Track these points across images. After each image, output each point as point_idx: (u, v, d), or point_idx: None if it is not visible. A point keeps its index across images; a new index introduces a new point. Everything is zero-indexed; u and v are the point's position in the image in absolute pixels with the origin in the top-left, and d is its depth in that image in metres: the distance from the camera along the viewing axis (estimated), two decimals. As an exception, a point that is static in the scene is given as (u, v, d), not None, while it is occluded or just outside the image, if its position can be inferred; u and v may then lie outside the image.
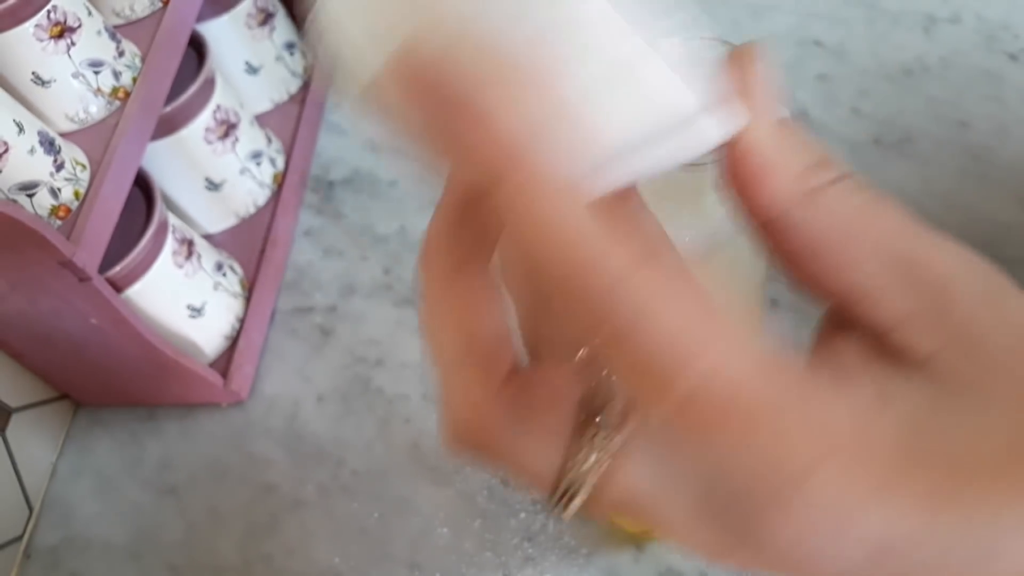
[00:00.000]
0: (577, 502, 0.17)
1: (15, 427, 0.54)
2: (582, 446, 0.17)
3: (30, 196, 0.45)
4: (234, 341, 0.58)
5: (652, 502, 0.17)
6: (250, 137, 0.63)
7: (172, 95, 0.55)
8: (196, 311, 0.55)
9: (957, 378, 0.16)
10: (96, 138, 0.50)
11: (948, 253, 0.17)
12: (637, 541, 0.48)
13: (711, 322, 0.15)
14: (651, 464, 0.17)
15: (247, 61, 0.68)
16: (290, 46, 0.71)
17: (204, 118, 0.58)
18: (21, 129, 0.45)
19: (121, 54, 0.52)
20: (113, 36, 0.52)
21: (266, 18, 0.68)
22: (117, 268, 0.49)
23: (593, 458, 0.17)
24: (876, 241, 0.16)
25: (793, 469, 0.15)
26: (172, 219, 0.54)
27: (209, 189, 0.61)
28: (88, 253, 0.45)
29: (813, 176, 0.17)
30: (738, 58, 0.18)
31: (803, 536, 0.15)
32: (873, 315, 0.17)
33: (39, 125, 0.47)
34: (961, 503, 0.15)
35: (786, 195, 0.17)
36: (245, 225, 0.64)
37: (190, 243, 0.55)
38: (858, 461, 0.15)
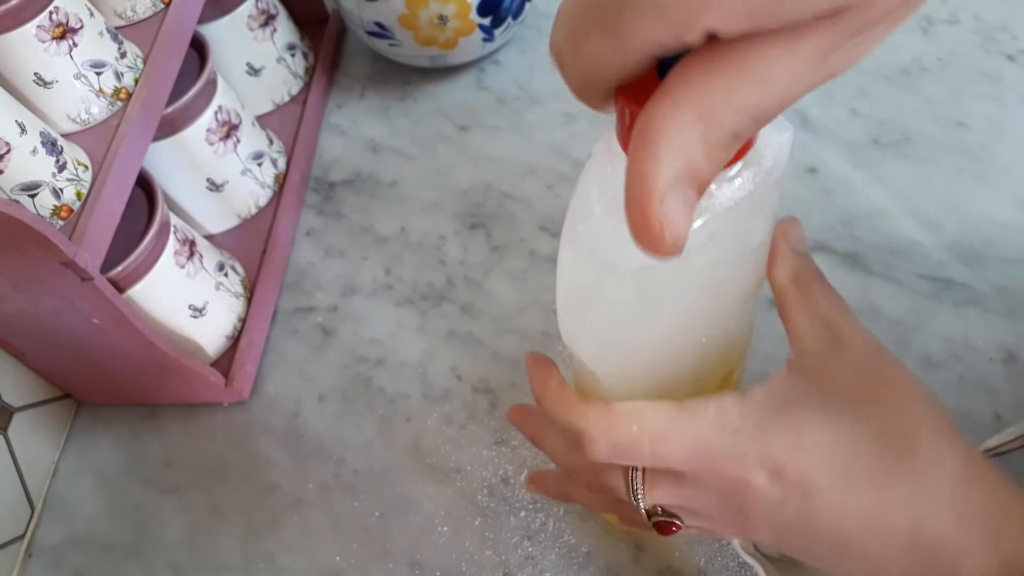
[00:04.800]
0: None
1: (17, 426, 0.54)
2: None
3: (32, 197, 0.45)
4: (236, 341, 0.58)
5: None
6: (251, 138, 0.63)
7: (174, 96, 0.55)
8: (198, 311, 0.55)
9: (812, 374, 0.31)
10: (98, 139, 0.50)
11: (856, 326, 0.32)
12: (636, 539, 0.48)
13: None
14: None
15: (248, 62, 0.68)
16: (291, 48, 0.71)
17: (206, 119, 0.58)
18: (23, 130, 0.45)
19: (123, 55, 0.52)
20: (115, 37, 0.52)
21: (267, 20, 0.68)
22: (119, 268, 0.49)
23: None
24: (815, 308, 0.32)
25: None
26: (174, 219, 0.54)
27: (211, 190, 0.61)
28: (90, 253, 0.45)
29: (802, 276, 0.33)
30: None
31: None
32: (796, 344, 0.32)
33: (41, 126, 0.47)
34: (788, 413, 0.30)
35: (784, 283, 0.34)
36: (247, 225, 0.65)
37: (192, 243, 0.55)
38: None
